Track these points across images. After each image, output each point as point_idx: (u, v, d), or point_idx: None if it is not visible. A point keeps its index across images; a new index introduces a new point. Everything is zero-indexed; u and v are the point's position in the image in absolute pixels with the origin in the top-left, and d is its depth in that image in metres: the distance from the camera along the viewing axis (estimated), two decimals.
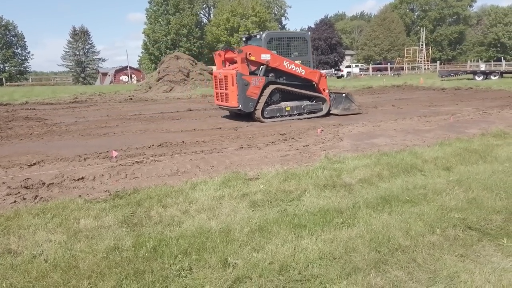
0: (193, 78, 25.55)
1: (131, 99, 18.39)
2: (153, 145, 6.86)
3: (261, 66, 9.54)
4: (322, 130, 7.91)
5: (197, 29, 56.46)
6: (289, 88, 10.00)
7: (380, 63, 52.29)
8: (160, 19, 55.63)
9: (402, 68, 48.32)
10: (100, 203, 3.95)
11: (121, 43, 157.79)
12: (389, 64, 48.06)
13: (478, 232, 3.27)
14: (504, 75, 28.87)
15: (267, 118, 9.75)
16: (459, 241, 3.12)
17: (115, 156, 5.90)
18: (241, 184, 4.42)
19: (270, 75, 9.72)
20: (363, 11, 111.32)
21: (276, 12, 79.18)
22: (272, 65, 9.58)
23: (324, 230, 3.33)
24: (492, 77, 27.90)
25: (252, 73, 9.51)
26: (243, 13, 56.90)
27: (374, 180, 4.61)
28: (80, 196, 4.19)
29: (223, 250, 2.98)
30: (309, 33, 11.83)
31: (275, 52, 9.79)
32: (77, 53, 63.74)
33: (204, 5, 75.69)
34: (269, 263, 2.81)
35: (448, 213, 3.58)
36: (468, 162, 5.27)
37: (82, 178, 4.82)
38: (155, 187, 4.33)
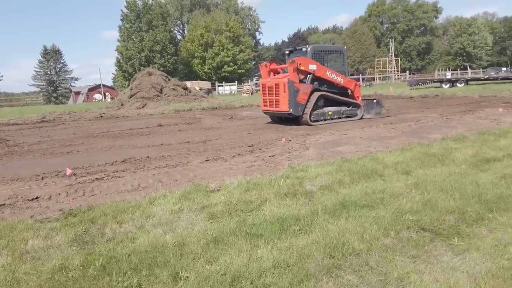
0: (166, 94, 25.36)
1: (101, 116, 18.07)
2: (116, 161, 6.71)
3: (308, 75, 10.69)
4: (290, 140, 7.96)
5: (171, 45, 56.41)
6: (331, 95, 11.24)
7: (353, 74, 53.54)
8: (133, 36, 55.32)
9: (373, 79, 49.66)
10: (51, 222, 3.80)
11: (96, 61, 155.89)
12: (360, 75, 49.27)
13: (431, 232, 3.32)
14: (469, 82, 30.08)
15: (314, 121, 10.88)
16: (412, 242, 3.16)
17: (69, 174, 5.73)
18: (201, 197, 4.36)
19: (315, 83, 10.88)
20: (335, 24, 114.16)
21: (250, 27, 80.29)
22: (317, 74, 10.77)
23: (281, 238, 3.30)
24: (458, 84, 29.00)
25: (301, 81, 10.60)
26: (217, 28, 57.37)
27: (335, 186, 4.65)
28: (32, 216, 4.02)
29: (175, 264, 2.90)
30: (345, 47, 13.20)
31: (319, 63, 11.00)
32: (49, 72, 62.53)
33: (178, 22, 76.02)
34: (221, 275, 2.75)
35: (403, 216, 3.62)
36: (426, 165, 5.40)
37: (37, 197, 4.65)
38: (111, 204, 4.21)
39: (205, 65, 57.13)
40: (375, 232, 3.32)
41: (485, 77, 31.96)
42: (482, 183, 4.45)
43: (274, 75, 11.48)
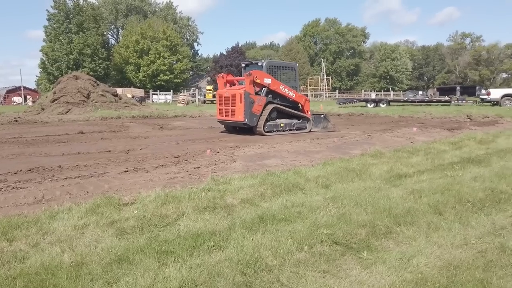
0: (94, 100, 23.93)
1: (16, 121, 16.45)
2: (21, 171, 6.03)
3: (263, 88, 11.27)
4: (218, 152, 7.83)
5: (103, 49, 53.77)
6: (284, 108, 11.92)
7: None
8: (61, 37, 51.84)
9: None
10: None
11: (18, 62, 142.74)
12: None
13: (342, 246, 3.37)
14: (391, 103, 32.60)
15: (267, 132, 11.48)
16: (324, 256, 3.17)
17: None
18: (112, 211, 4.03)
19: (269, 96, 11.49)
20: (273, 41, 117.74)
21: (189, 37, 79.62)
22: (272, 88, 11.41)
23: (193, 256, 3.12)
24: (381, 105, 31.26)
25: (256, 93, 11.12)
26: (153, 36, 55.97)
27: (256, 200, 4.59)
28: None
29: (68, 287, 2.58)
30: (297, 64, 14.22)
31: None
32: None
33: (112, 26, 72.90)
34: None
35: (318, 229, 3.65)
36: (345, 180, 5.58)
37: None
38: (3, 218, 3.71)
39: (139, 72, 55.25)
40: (290, 247, 3.28)
41: (404, 99, 34.93)
42: (393, 198, 4.69)
43: (230, 86, 11.93)
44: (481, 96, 29.77)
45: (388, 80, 76.18)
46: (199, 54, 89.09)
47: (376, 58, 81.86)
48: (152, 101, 42.08)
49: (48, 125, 14.94)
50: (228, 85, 12.08)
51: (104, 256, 3.07)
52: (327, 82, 56.87)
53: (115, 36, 74.76)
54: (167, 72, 55.50)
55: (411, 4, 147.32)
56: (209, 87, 50.68)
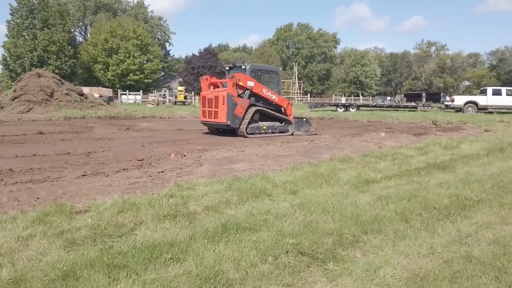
0: (58, 99, 22.89)
1: None
2: None
3: (246, 91, 11.43)
4: (184, 156, 7.56)
5: (70, 47, 51.82)
6: (266, 110, 12.09)
7: None
8: (24, 33, 49.56)
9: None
10: None
11: None
12: None
13: (308, 257, 3.23)
14: (360, 108, 33.22)
15: (250, 134, 11.56)
16: (289, 268, 3.02)
17: None
18: (62, 219, 3.72)
19: (252, 98, 11.66)
20: (245, 44, 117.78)
21: (160, 37, 78.27)
22: (255, 91, 11.58)
23: (148, 269, 2.89)
24: (350, 109, 31.80)
25: (239, 96, 11.28)
26: (123, 34, 54.53)
27: (221, 207, 4.39)
28: None
29: None
30: (280, 68, 14.68)
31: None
32: None
33: (80, 23, 70.56)
34: None
35: (284, 239, 3.49)
36: (313, 185, 5.48)
37: None
38: None
39: (108, 71, 53.62)
40: (253, 258, 3.11)
41: (373, 104, 35.73)
42: (361, 204, 4.62)
43: (214, 88, 12.16)
44: (445, 103, 30.86)
45: (358, 85, 77.88)
46: (171, 55, 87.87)
47: (346, 63, 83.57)
48: (121, 101, 40.87)
49: (5, 125, 14.10)
50: (212, 87, 12.23)
51: (48, 272, 2.78)
52: (298, 86, 57.38)
53: (83, 33, 72.44)
54: (137, 72, 54.17)
55: (380, 11, 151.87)
56: (180, 88, 49.88)
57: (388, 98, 41.02)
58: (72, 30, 58.30)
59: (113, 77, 53.58)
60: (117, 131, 12.67)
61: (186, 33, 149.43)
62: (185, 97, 45.73)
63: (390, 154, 8.23)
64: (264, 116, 12.21)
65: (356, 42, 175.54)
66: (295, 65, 64.50)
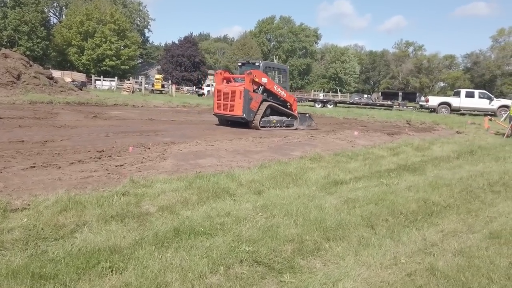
0: (25, 82, 21.77)
1: None
2: None
3: (260, 87, 12.10)
4: (148, 148, 7.17)
5: (43, 28, 49.67)
6: (276, 106, 12.81)
7: None
8: None
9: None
10: None
11: None
12: None
13: (264, 267, 2.98)
14: (337, 104, 33.34)
15: (262, 126, 12.27)
16: (241, 281, 2.75)
17: None
18: None
19: (264, 94, 12.31)
20: (227, 34, 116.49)
21: (139, 23, 76.24)
22: (267, 87, 12.29)
23: (81, 281, 2.56)
24: (328, 105, 31.88)
25: (254, 91, 11.92)
26: (100, 18, 52.66)
27: (177, 207, 4.08)
28: None
29: None
30: (288, 66, 15.61)
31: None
32: None
33: (55, 4, 67.73)
34: None
35: (240, 246, 3.23)
36: (280, 185, 5.25)
37: None
38: None
39: (83, 55, 51.76)
40: (203, 268, 2.83)
41: (350, 101, 35.94)
42: (326, 208, 4.41)
43: (227, 83, 12.73)
44: (420, 103, 31.36)
45: (337, 82, 78.46)
46: (150, 42, 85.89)
47: (326, 59, 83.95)
48: (95, 87, 39.51)
49: None
50: (224, 81, 12.76)
51: None
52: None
53: (57, 15, 69.62)
54: (114, 58, 52.54)
55: (363, 9, 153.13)
56: (158, 76, 48.71)
57: (365, 96, 41.42)
58: (45, 10, 55.87)
59: (88, 62, 51.81)
60: (84, 118, 12.05)
61: (167, 20, 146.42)
62: (163, 86, 44.73)
63: (362, 153, 8.10)
64: (273, 111, 12.93)
65: (337, 39, 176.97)
66: (275, 59, 64.18)
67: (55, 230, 3.27)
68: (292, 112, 13.43)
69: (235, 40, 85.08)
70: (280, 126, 13.07)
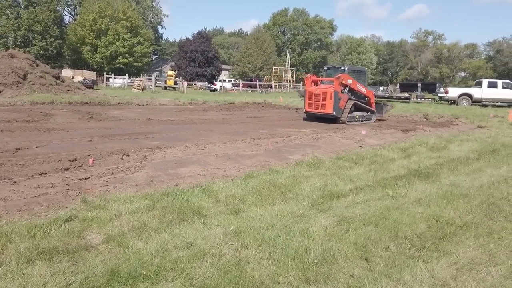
0: (31, 82, 21.56)
1: None
2: None
3: (346, 87, 13.86)
4: (128, 155, 6.50)
5: (56, 27, 49.88)
6: (359, 103, 14.36)
7: (251, 80, 54.01)
8: (8, 12, 47.59)
9: (270, 86, 50.70)
10: None
11: None
12: (258, 81, 49.84)
13: None
14: None
15: (349, 121, 13.85)
16: None
17: None
18: None
19: (349, 93, 14.02)
20: (241, 28, 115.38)
21: (152, 20, 76.13)
22: (352, 87, 13.97)
23: None
24: None
25: (341, 92, 13.59)
26: (112, 15, 52.58)
27: (129, 237, 3.37)
28: None
29: None
30: (366, 68, 18.99)
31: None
32: None
33: (70, 2, 68.20)
34: None
35: None
36: (265, 201, 4.49)
37: None
38: None
39: (96, 53, 51.85)
40: None
41: None
42: (313, 233, 3.64)
43: (315, 85, 14.53)
44: (439, 94, 29.84)
45: None
46: (165, 38, 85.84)
47: (342, 51, 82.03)
48: (107, 85, 39.37)
49: None
50: (313, 83, 14.57)
51: None
52: (291, 74, 55.98)
53: (72, 13, 70.13)
54: (127, 55, 52.44)
55: None
56: (170, 72, 48.29)
57: (381, 88, 39.92)
58: (58, 9, 56.16)
59: (101, 60, 51.89)
60: (77, 120, 11.52)
61: (181, 16, 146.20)
62: (175, 83, 44.29)
63: (369, 156, 7.24)
64: (356, 108, 14.38)
65: (353, 29, 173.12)
66: (288, 52, 62.95)
67: None
68: (370, 107, 15.11)
69: (248, 34, 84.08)
70: (361, 121, 14.62)
